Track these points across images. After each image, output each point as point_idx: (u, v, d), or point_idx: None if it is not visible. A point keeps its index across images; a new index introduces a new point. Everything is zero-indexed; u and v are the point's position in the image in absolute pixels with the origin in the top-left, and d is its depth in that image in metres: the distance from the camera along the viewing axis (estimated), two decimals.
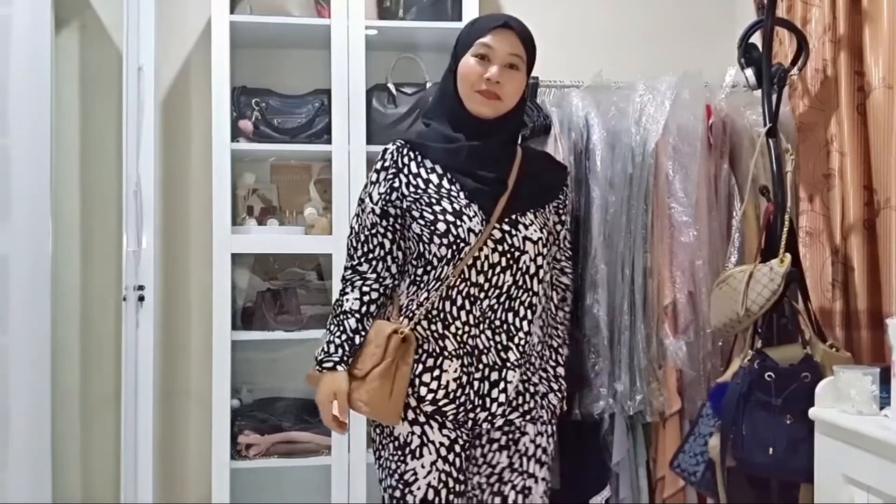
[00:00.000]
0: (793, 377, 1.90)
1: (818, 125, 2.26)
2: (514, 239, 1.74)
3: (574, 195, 2.44)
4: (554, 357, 1.89)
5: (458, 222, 1.72)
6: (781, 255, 1.99)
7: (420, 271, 1.77)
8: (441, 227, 1.71)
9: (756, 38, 2.20)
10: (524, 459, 1.83)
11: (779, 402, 1.90)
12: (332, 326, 1.80)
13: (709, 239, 2.41)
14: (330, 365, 1.76)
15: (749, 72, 2.19)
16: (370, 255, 1.80)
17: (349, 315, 1.78)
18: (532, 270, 1.76)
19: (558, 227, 1.91)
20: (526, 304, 1.76)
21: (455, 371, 1.73)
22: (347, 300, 1.80)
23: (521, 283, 1.75)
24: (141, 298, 2.46)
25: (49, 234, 2.34)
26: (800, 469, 1.85)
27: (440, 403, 1.74)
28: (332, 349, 1.77)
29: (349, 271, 1.83)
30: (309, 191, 2.79)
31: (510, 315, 1.75)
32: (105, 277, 2.70)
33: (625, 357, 2.38)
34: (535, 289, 1.77)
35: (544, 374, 1.85)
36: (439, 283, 1.73)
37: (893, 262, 1.97)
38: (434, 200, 1.74)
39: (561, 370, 1.89)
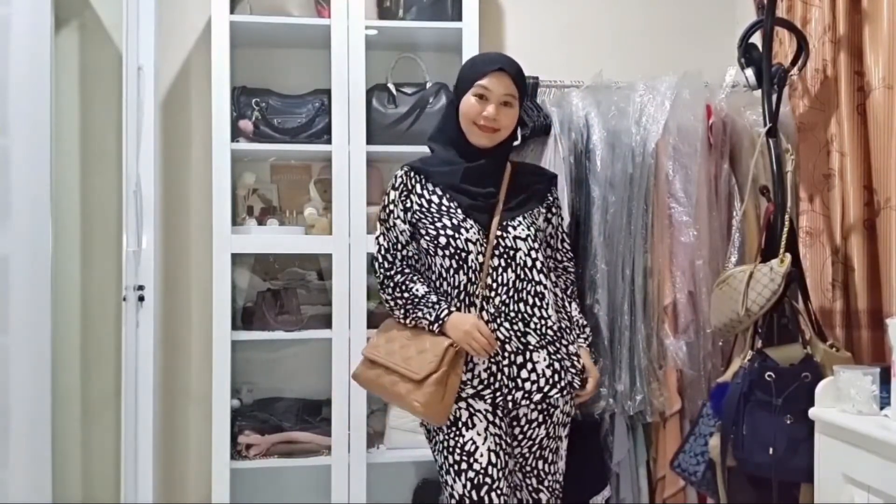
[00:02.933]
0: (793, 377, 1.90)
1: (818, 125, 2.26)
2: (507, 241, 2.00)
3: (574, 195, 2.45)
4: (567, 338, 2.09)
5: (457, 235, 1.98)
6: (781, 255, 2.00)
7: (438, 282, 2.03)
8: (442, 240, 1.98)
9: (756, 39, 2.20)
10: (557, 427, 2.07)
11: (779, 402, 1.90)
12: (420, 307, 2.00)
13: (709, 239, 2.42)
14: (446, 312, 1.96)
15: (749, 72, 2.19)
16: (410, 262, 2.05)
17: (428, 295, 2.00)
18: (529, 263, 2.01)
19: (549, 225, 2.14)
20: (533, 294, 2.00)
21: (484, 363, 1.98)
22: (416, 289, 2.01)
23: (522, 276, 2.00)
24: (141, 298, 2.46)
25: (49, 234, 2.34)
26: (800, 469, 1.86)
27: (478, 389, 1.98)
28: (437, 307, 1.98)
29: (398, 275, 2.03)
30: (309, 191, 2.79)
31: (521, 305, 1.99)
32: (105, 277, 2.70)
33: (625, 357, 2.39)
34: (537, 278, 2.01)
35: (566, 352, 2.06)
36: (455, 289, 1.99)
37: (893, 261, 1.97)
38: (436, 218, 2.00)
39: (573, 347, 2.09)
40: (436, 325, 1.97)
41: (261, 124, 2.64)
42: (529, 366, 1.99)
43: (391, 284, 2.03)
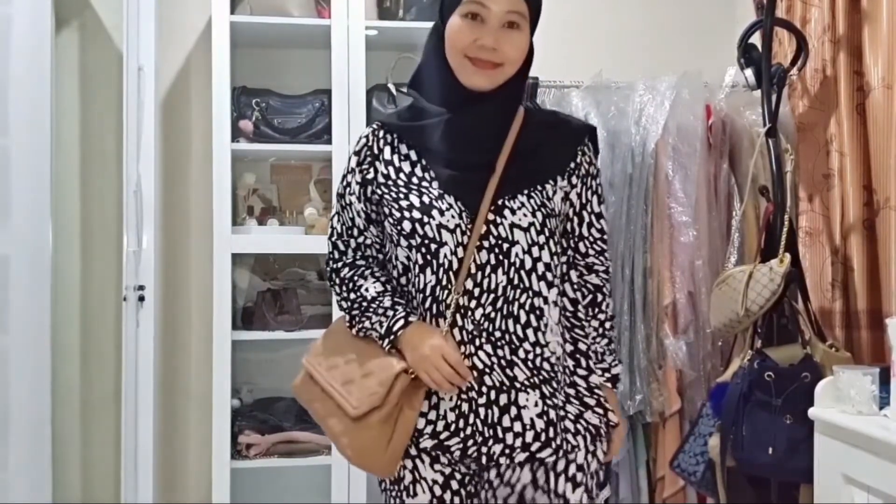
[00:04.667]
0: (793, 377, 1.90)
1: (818, 125, 2.26)
2: (500, 229, 1.42)
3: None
4: (585, 364, 1.52)
5: (426, 219, 1.41)
6: (781, 255, 2.00)
7: (403, 281, 1.49)
8: (406, 226, 1.43)
9: (756, 39, 2.20)
10: (558, 497, 1.48)
11: (779, 402, 1.90)
12: (368, 314, 1.48)
13: (708, 239, 2.42)
14: (401, 323, 1.44)
15: (749, 72, 2.19)
16: (368, 252, 1.55)
17: (380, 298, 1.48)
18: (528, 265, 1.43)
19: (571, 205, 1.51)
20: (527, 308, 1.43)
21: (452, 398, 1.43)
22: (365, 288, 1.50)
23: (516, 282, 1.43)
24: (141, 298, 2.46)
25: (49, 234, 2.34)
26: (800, 469, 1.86)
27: (441, 437, 1.43)
28: (390, 315, 1.46)
29: (346, 269, 1.54)
30: (309, 191, 2.79)
31: (510, 323, 1.43)
32: (105, 277, 2.70)
33: (625, 357, 2.39)
34: (537, 287, 1.44)
35: (573, 392, 1.50)
36: (421, 293, 1.44)
37: (893, 261, 1.97)
38: (402, 195, 1.45)
39: (596, 378, 1.52)
40: (386, 340, 1.44)
41: (261, 124, 2.64)
42: (514, 410, 1.42)
43: (338, 280, 1.54)
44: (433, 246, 1.42)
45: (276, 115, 2.65)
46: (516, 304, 1.43)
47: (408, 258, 1.46)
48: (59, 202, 2.49)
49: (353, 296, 1.51)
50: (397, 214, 1.44)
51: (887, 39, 2.00)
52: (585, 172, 1.52)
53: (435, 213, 1.42)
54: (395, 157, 1.49)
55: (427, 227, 1.42)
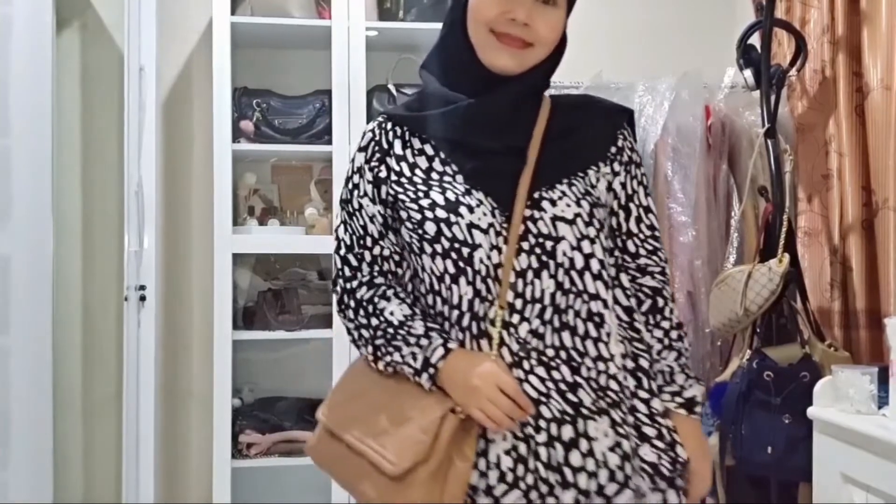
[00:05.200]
0: (792, 377, 1.91)
1: (817, 126, 2.26)
2: (541, 224, 1.20)
3: None
4: (648, 386, 1.25)
5: (454, 218, 1.19)
6: (780, 255, 2.00)
7: (430, 300, 1.23)
8: (430, 228, 1.20)
9: (755, 39, 2.20)
10: None
11: (778, 402, 1.91)
12: (397, 343, 1.22)
13: (708, 239, 2.42)
14: (441, 353, 1.18)
15: (748, 72, 2.20)
16: (383, 267, 1.29)
17: (410, 322, 1.22)
18: (579, 263, 1.20)
19: (615, 195, 1.29)
20: (584, 316, 1.21)
21: (507, 439, 1.17)
22: (390, 311, 1.23)
23: (567, 285, 1.20)
24: (142, 298, 2.46)
25: (50, 234, 2.34)
26: (799, 468, 1.86)
27: (496, 493, 1.15)
28: (426, 344, 1.20)
29: (363, 289, 1.27)
30: (310, 191, 2.79)
31: (566, 336, 1.19)
32: (106, 277, 2.70)
33: None
34: (593, 289, 1.21)
35: (631, 420, 1.23)
36: (457, 311, 1.20)
37: (892, 261, 1.97)
38: (421, 193, 1.23)
39: (659, 403, 1.25)
40: (424, 375, 1.19)
41: (262, 125, 2.65)
42: (584, 444, 1.17)
43: (352, 303, 1.27)
44: (465, 250, 1.19)
45: (277, 116, 2.66)
46: (570, 312, 1.20)
47: (433, 270, 1.21)
48: (60, 202, 2.49)
49: (374, 322, 1.23)
50: (417, 216, 1.21)
51: (886, 40, 2.01)
52: (629, 160, 1.30)
53: (463, 210, 1.20)
54: (409, 153, 1.27)
55: (455, 228, 1.19)
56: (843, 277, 2.16)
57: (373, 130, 1.32)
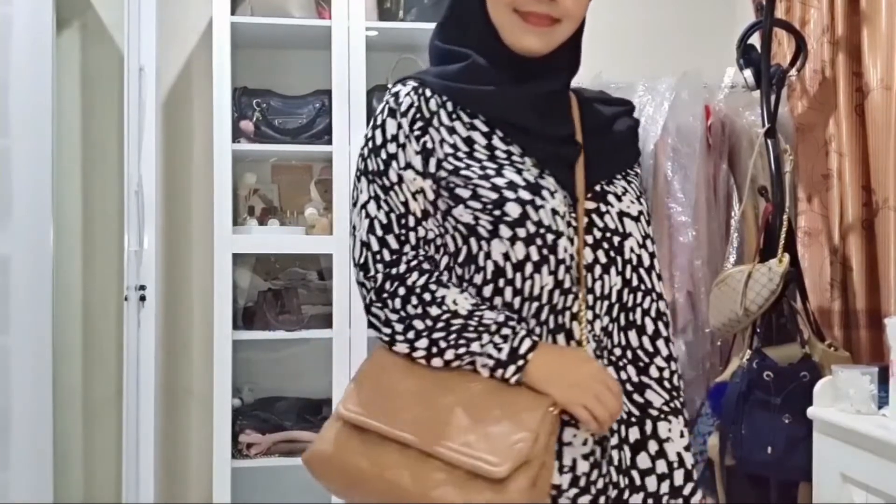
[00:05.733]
0: (792, 376, 1.91)
1: (817, 126, 2.26)
2: (607, 218, 1.15)
3: None
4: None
5: (539, 201, 1.10)
6: (780, 254, 2.00)
7: (488, 291, 1.12)
8: (513, 209, 1.08)
9: (755, 39, 2.20)
10: None
11: (778, 402, 1.91)
12: (471, 333, 1.09)
13: (708, 239, 2.42)
14: (528, 343, 1.08)
15: (748, 72, 2.20)
16: (428, 252, 1.15)
17: (479, 310, 1.10)
18: (646, 262, 1.17)
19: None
20: (654, 315, 1.17)
21: (585, 443, 1.09)
22: (453, 301, 1.10)
23: (635, 283, 1.16)
24: (142, 298, 2.46)
25: (50, 234, 2.34)
26: (799, 468, 1.86)
27: (568, 496, 1.08)
28: (508, 333, 1.08)
29: (415, 275, 1.12)
30: (310, 191, 2.79)
31: (633, 335, 1.16)
32: (106, 277, 2.70)
33: None
34: (659, 289, 1.19)
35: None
36: (536, 303, 1.11)
37: (892, 261, 1.98)
38: (492, 169, 1.11)
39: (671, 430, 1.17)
40: (510, 367, 1.07)
41: (262, 125, 2.65)
42: (653, 446, 1.14)
43: (401, 291, 1.11)
44: (549, 237, 1.09)
45: (277, 116, 2.66)
46: (638, 310, 1.16)
47: (509, 256, 1.09)
48: (60, 202, 2.49)
49: (434, 311, 1.09)
50: (492, 195, 1.09)
51: (886, 41, 2.01)
52: (637, 171, 1.26)
53: (546, 194, 1.10)
54: (459, 126, 1.14)
55: (542, 212, 1.09)
56: (844, 277, 2.16)
57: (410, 94, 1.16)
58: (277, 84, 2.76)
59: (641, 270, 1.16)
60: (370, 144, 1.16)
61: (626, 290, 1.15)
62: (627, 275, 1.15)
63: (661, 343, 1.17)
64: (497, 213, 1.09)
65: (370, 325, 1.16)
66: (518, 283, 1.10)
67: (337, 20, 2.58)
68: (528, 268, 1.09)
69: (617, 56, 2.88)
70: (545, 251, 1.09)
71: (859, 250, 2.11)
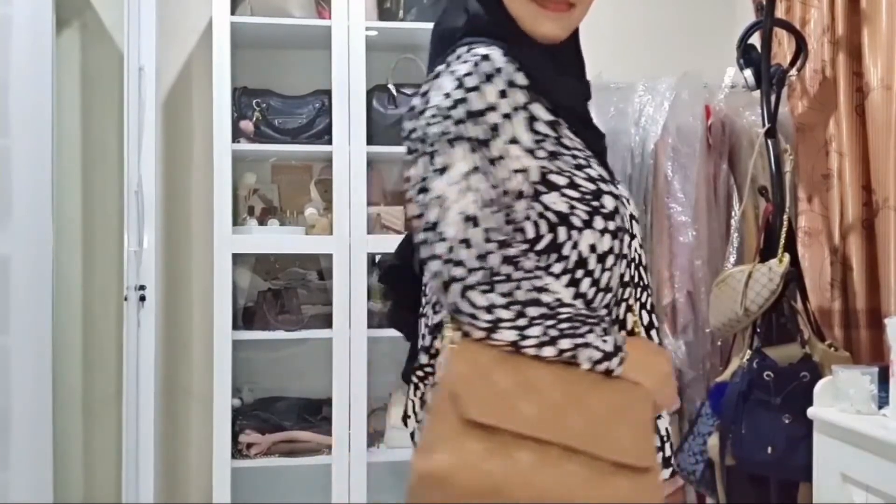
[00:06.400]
0: (792, 376, 1.91)
1: (817, 126, 2.26)
2: (626, 218, 1.16)
3: None
4: None
5: (618, 192, 1.12)
6: (780, 254, 2.00)
7: (565, 280, 1.08)
8: (609, 202, 1.09)
9: (755, 39, 2.20)
10: None
11: (778, 402, 1.91)
12: (578, 325, 1.04)
13: (708, 239, 2.42)
14: (623, 335, 1.12)
15: (748, 72, 2.20)
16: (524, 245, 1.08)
17: (574, 304, 1.06)
18: (645, 261, 1.22)
19: None
20: (649, 307, 1.22)
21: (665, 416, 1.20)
22: (555, 288, 1.04)
23: (637, 279, 1.19)
24: (142, 298, 2.46)
25: (50, 234, 2.34)
26: (799, 468, 1.86)
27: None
28: (608, 329, 1.07)
29: (523, 259, 1.04)
30: (310, 191, 2.79)
31: (654, 333, 1.22)
32: (106, 277, 2.70)
33: None
34: (649, 281, 1.24)
35: None
36: (611, 295, 1.12)
37: (892, 261, 1.98)
38: (582, 161, 1.10)
39: None
40: (615, 359, 1.05)
41: (262, 125, 2.65)
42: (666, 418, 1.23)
43: (516, 274, 1.02)
44: (621, 233, 1.11)
45: (277, 116, 2.66)
46: (637, 304, 1.19)
47: (595, 248, 1.07)
48: (59, 202, 2.49)
49: (546, 298, 1.02)
50: (590, 185, 1.08)
51: (886, 40, 2.01)
52: None
53: (619, 189, 1.14)
54: (545, 112, 1.09)
55: (622, 207, 1.11)
56: (844, 277, 2.16)
57: (506, 62, 1.06)
58: (277, 84, 2.76)
59: (642, 268, 1.20)
60: (463, 107, 1.03)
61: (630, 286, 1.17)
62: (632, 271, 1.17)
63: (653, 332, 1.21)
64: (595, 203, 1.08)
65: (456, 311, 1.02)
66: (597, 274, 1.09)
67: (337, 20, 2.58)
68: (610, 260, 1.09)
69: (617, 56, 2.88)
70: (624, 246, 1.11)
71: (859, 250, 2.11)
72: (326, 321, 2.63)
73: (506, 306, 1.01)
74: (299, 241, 2.66)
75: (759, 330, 2.03)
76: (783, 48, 2.36)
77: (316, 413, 2.71)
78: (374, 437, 2.68)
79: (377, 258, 2.72)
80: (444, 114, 1.04)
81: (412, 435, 1.25)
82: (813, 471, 1.81)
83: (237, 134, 2.61)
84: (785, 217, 2.04)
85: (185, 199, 2.81)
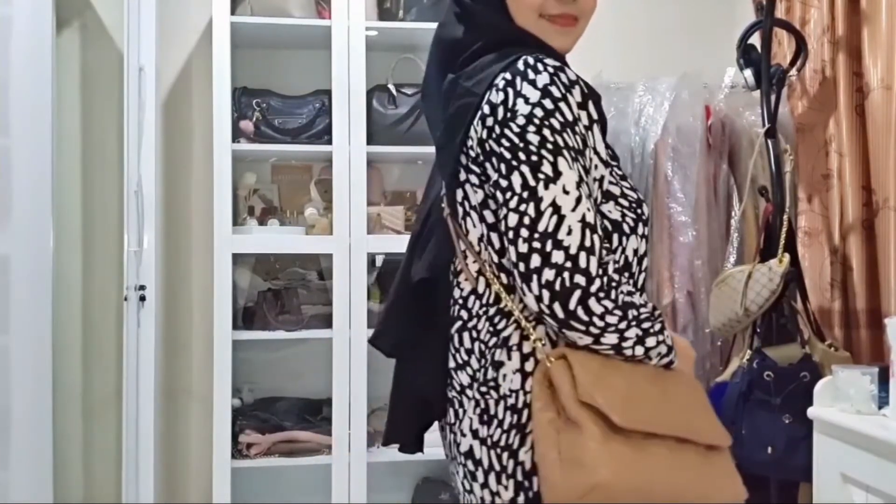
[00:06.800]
0: (792, 376, 1.91)
1: (817, 126, 2.26)
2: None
3: None
4: None
5: (642, 198, 1.22)
6: (780, 254, 2.00)
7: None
8: (646, 210, 1.19)
9: (755, 39, 2.20)
10: None
11: (778, 402, 1.91)
12: (654, 325, 1.10)
13: (708, 239, 2.42)
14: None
15: (748, 72, 2.20)
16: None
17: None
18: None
19: None
20: None
21: None
22: (636, 296, 1.13)
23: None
24: (142, 298, 2.46)
25: (50, 234, 2.34)
26: (799, 468, 1.86)
27: None
28: (662, 321, 1.13)
29: (616, 273, 1.08)
30: (310, 191, 2.79)
31: None
32: (106, 277, 2.70)
33: None
34: None
35: None
36: (638, 293, 1.19)
37: (892, 261, 1.98)
38: (619, 171, 1.20)
39: None
40: (673, 353, 1.14)
41: (262, 125, 2.65)
42: None
43: (623, 280, 1.11)
44: (644, 237, 1.19)
45: (277, 116, 2.66)
46: None
47: (636, 251, 1.17)
48: (59, 202, 2.49)
49: (637, 300, 1.10)
50: (633, 195, 1.17)
51: (886, 41, 2.01)
52: None
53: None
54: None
55: (647, 213, 1.20)
56: (844, 277, 2.16)
57: (572, 73, 1.12)
58: (277, 84, 2.75)
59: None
60: (558, 118, 1.06)
61: None
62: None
63: None
64: (639, 211, 1.16)
65: (573, 320, 1.04)
66: (636, 276, 1.17)
67: (337, 20, 2.58)
68: (645, 262, 1.18)
69: (617, 56, 2.88)
70: (647, 250, 1.20)
71: (859, 250, 2.11)
72: (326, 321, 2.63)
73: (613, 310, 1.05)
74: (299, 241, 2.66)
75: (759, 330, 2.03)
76: (783, 48, 2.36)
77: (316, 413, 2.71)
78: (374, 437, 2.68)
79: (377, 259, 2.72)
80: (539, 122, 1.06)
81: (468, 452, 1.17)
82: (813, 471, 1.81)
83: (237, 134, 2.61)
84: (785, 217, 2.04)
85: (184, 199, 2.81)
